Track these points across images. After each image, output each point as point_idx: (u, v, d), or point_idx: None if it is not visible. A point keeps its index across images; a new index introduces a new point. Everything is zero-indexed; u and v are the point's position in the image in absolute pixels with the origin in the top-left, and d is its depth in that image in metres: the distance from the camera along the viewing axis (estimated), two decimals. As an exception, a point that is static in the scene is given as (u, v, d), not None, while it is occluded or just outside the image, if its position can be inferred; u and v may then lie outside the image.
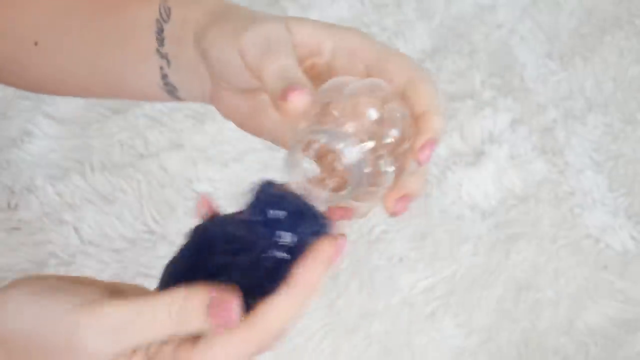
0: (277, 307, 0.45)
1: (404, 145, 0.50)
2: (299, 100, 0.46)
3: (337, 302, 1.01)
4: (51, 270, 1.01)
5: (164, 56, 0.57)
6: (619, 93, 1.20)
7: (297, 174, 0.48)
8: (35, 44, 0.61)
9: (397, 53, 0.53)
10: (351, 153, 0.48)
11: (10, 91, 1.16)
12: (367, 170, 0.49)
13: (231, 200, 1.05)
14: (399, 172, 0.51)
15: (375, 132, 0.49)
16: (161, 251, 1.03)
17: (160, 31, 0.57)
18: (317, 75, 0.54)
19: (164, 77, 0.58)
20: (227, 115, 0.58)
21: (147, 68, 0.58)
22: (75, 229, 1.04)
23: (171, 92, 0.59)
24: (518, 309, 1.02)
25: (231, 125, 0.58)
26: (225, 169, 1.09)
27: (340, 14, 1.26)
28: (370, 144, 0.49)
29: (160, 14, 0.57)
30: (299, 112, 0.47)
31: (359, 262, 1.04)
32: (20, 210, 1.06)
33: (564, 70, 1.22)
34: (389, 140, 0.50)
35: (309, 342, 0.99)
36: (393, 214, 0.51)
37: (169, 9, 0.57)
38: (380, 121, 0.49)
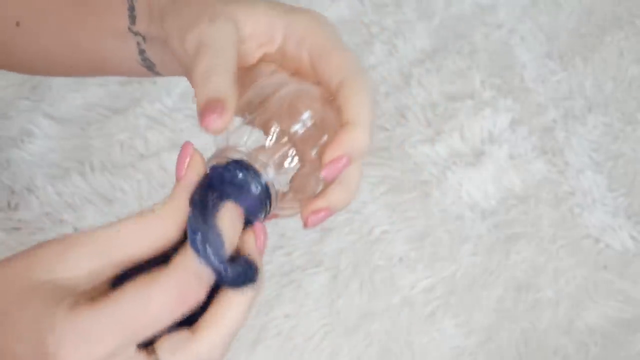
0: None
1: None
2: (215, 123, 0.46)
3: (337, 302, 1.01)
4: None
5: (138, 33, 0.57)
6: (618, 93, 1.20)
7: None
8: (17, 24, 0.61)
9: (341, 49, 0.51)
10: (269, 175, 0.47)
11: (10, 91, 1.16)
12: (285, 189, 0.48)
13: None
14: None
15: (302, 145, 0.48)
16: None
17: (131, 9, 0.57)
18: (270, 63, 0.53)
19: (142, 52, 0.58)
20: None
21: (124, 45, 0.58)
22: (75, 229, 1.04)
23: (150, 67, 0.59)
24: (518, 309, 1.02)
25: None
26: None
27: (340, 14, 1.26)
28: (293, 165, 0.48)
29: None
30: (217, 132, 0.46)
31: (359, 262, 1.04)
32: (20, 210, 1.06)
33: (564, 70, 1.22)
34: (314, 153, 0.49)
35: (309, 342, 0.99)
36: (305, 224, 0.49)
37: None
38: (306, 135, 0.48)
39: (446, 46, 1.23)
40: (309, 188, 0.50)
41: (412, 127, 1.15)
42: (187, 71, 0.52)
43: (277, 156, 0.48)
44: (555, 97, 1.19)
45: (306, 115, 0.49)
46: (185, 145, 0.47)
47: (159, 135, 1.12)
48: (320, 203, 0.49)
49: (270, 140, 0.48)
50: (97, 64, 0.61)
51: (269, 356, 0.98)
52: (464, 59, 1.22)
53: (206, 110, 0.46)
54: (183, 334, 0.44)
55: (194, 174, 0.46)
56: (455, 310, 1.02)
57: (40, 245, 0.44)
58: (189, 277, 0.43)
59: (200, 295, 0.43)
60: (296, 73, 0.53)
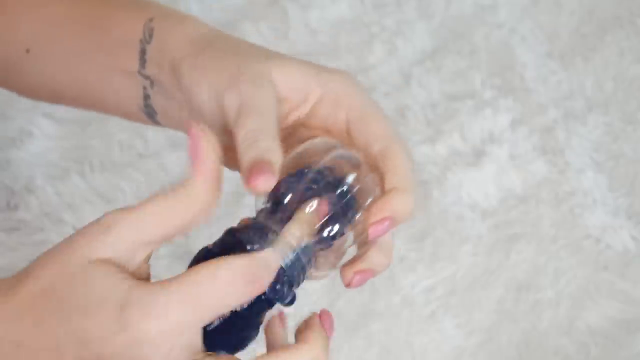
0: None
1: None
2: (261, 184, 0.46)
3: (337, 302, 1.01)
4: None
5: (146, 77, 0.57)
6: (619, 93, 1.20)
7: None
8: (27, 51, 0.61)
9: (379, 113, 0.52)
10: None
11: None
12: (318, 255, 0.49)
13: (231, 199, 1.05)
14: (364, 243, 0.50)
15: (341, 211, 0.49)
16: (161, 251, 1.03)
17: (142, 52, 0.56)
18: (300, 125, 0.53)
19: (146, 97, 0.57)
20: None
21: (131, 87, 0.58)
22: (75, 229, 1.04)
23: (150, 115, 0.59)
24: (518, 309, 1.02)
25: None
26: (225, 169, 1.09)
27: (340, 14, 1.25)
28: (333, 233, 0.49)
29: (144, 34, 0.56)
30: (262, 194, 0.47)
31: (359, 262, 1.04)
32: (20, 210, 1.06)
33: (565, 70, 1.22)
34: (355, 218, 0.49)
35: (309, 342, 0.99)
36: (347, 286, 0.52)
37: (152, 29, 0.56)
38: (348, 201, 0.49)
39: (446, 46, 1.23)
40: (342, 250, 0.51)
41: (412, 127, 1.15)
42: (217, 126, 0.52)
43: (317, 226, 0.49)
44: (555, 97, 1.19)
45: (350, 179, 0.49)
46: (195, 132, 0.46)
47: (158, 135, 1.12)
48: (363, 265, 0.51)
49: (311, 207, 0.48)
50: (99, 100, 0.61)
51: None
52: (464, 59, 1.22)
53: (253, 171, 0.47)
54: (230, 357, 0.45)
55: (213, 155, 0.46)
56: (456, 310, 1.02)
57: (81, 230, 0.46)
58: (256, 261, 0.44)
59: (267, 280, 0.45)
60: (325, 133, 0.53)
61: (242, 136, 0.49)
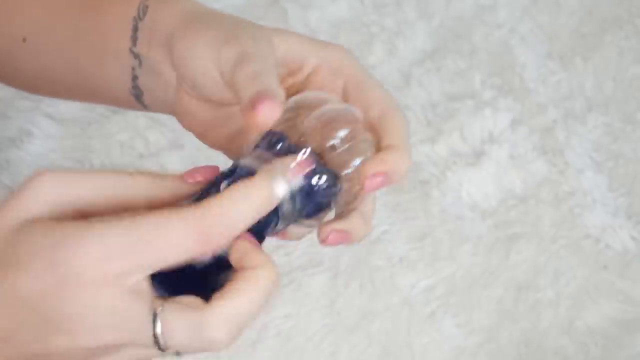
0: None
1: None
2: (267, 113, 0.45)
3: (337, 302, 1.01)
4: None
5: (136, 56, 0.57)
6: (619, 93, 1.20)
7: None
8: (24, 40, 0.61)
9: (377, 82, 0.52)
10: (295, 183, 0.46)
11: (10, 91, 1.15)
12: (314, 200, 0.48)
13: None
14: (350, 202, 0.50)
15: (336, 160, 0.48)
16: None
17: (135, 29, 0.56)
18: (294, 93, 0.53)
19: (134, 78, 0.57)
20: (188, 124, 0.57)
21: (121, 68, 0.58)
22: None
23: (138, 96, 0.58)
24: (518, 309, 1.02)
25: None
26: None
27: (340, 14, 1.26)
28: (322, 179, 0.47)
29: (138, 11, 0.56)
30: (266, 124, 0.46)
31: (359, 262, 1.04)
32: (20, 210, 1.06)
33: (564, 70, 1.22)
34: (348, 170, 0.48)
35: (309, 342, 0.99)
36: (322, 242, 0.49)
37: (147, 7, 0.56)
38: (344, 150, 0.48)
39: (446, 46, 1.23)
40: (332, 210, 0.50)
41: (412, 127, 1.15)
42: (209, 92, 0.52)
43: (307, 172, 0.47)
44: (555, 97, 1.19)
45: (342, 133, 0.48)
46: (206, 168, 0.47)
47: (159, 135, 1.12)
48: (341, 225, 0.49)
49: (303, 154, 0.47)
50: (91, 87, 0.61)
51: (269, 356, 0.98)
52: (464, 59, 1.22)
53: (258, 99, 0.45)
54: (195, 300, 0.43)
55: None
56: (456, 310, 1.02)
57: (13, 192, 0.45)
58: (216, 219, 0.42)
59: (224, 241, 0.43)
60: None
61: (243, 76, 0.48)
